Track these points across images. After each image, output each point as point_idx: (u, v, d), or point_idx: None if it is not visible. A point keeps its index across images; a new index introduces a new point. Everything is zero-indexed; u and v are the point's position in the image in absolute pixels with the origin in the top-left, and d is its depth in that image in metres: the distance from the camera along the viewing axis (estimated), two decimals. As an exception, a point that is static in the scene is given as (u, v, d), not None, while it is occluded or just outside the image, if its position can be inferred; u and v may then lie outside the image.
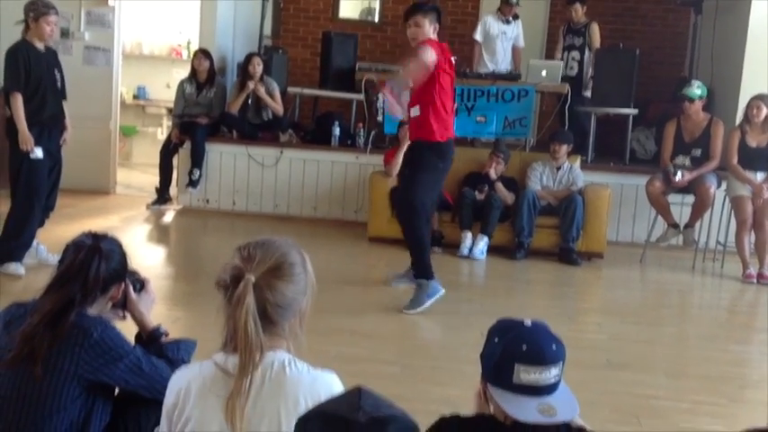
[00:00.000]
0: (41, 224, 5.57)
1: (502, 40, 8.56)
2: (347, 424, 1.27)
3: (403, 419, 1.33)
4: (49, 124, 5.38)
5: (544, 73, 7.96)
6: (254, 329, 1.74)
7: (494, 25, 8.52)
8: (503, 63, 8.52)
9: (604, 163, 7.89)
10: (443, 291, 5.10)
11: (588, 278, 6.56)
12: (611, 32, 9.56)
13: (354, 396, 1.34)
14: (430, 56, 4.86)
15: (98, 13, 8.53)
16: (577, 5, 8.45)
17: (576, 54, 8.55)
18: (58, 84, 5.44)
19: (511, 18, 8.58)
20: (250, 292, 1.75)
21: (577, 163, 7.26)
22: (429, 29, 5.02)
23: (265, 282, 1.78)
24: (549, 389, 1.70)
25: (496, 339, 1.73)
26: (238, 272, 1.78)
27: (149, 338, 2.43)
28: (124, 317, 2.47)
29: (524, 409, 1.66)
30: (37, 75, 5.26)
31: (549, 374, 1.69)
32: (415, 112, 5.08)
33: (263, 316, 1.77)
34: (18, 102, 5.18)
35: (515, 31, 8.58)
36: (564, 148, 7.07)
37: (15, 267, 5.29)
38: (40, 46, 5.31)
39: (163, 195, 8.09)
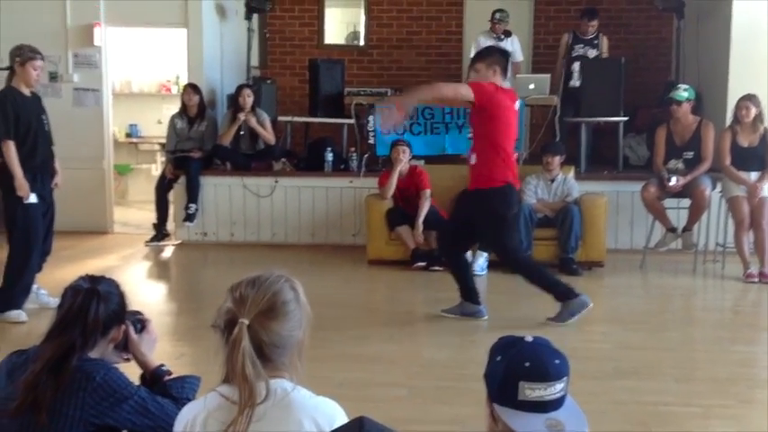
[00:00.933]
0: (39, 269, 5.56)
1: None
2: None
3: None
4: (40, 169, 5.38)
5: (532, 86, 8.01)
6: (252, 370, 1.77)
7: (487, 44, 8.55)
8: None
9: (598, 172, 7.91)
10: (591, 304, 5.21)
11: (590, 287, 6.51)
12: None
13: (356, 427, 1.33)
14: (465, 89, 4.91)
15: (85, 54, 8.57)
16: (595, 21, 8.65)
17: None
18: (46, 128, 5.43)
19: (503, 35, 8.65)
20: (245, 336, 1.78)
21: (571, 173, 7.28)
22: (487, 73, 5.04)
23: (259, 323, 1.81)
24: (556, 404, 1.69)
25: (498, 358, 1.72)
26: (232, 316, 1.81)
27: (153, 378, 2.41)
28: (128, 359, 2.46)
29: (532, 426, 1.65)
30: (26, 121, 5.25)
31: (554, 390, 1.68)
32: (473, 159, 5.09)
33: (260, 355, 1.80)
34: (11, 149, 5.16)
35: (510, 47, 8.61)
36: (557, 160, 7.08)
37: (17, 314, 5.27)
38: (26, 92, 5.30)
39: (161, 231, 8.09)
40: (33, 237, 5.32)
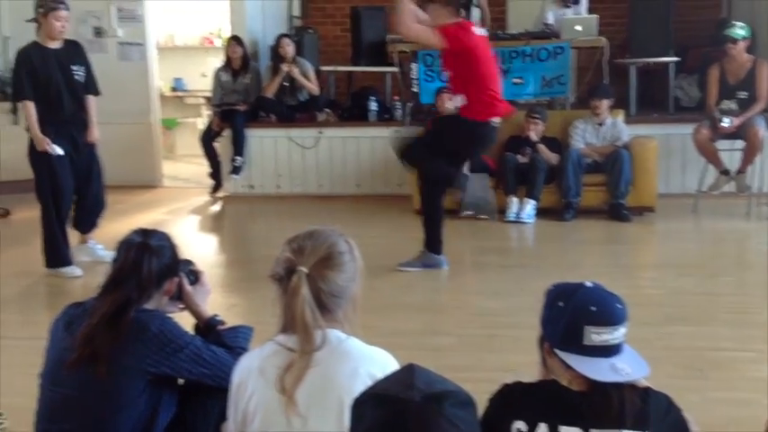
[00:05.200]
0: (95, 224, 5.61)
1: None
2: (402, 403, 1.27)
3: (458, 394, 1.32)
4: (69, 122, 5.24)
5: (578, 27, 7.80)
6: (311, 316, 1.82)
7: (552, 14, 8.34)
8: None
9: (648, 114, 7.74)
10: (446, 267, 5.18)
11: (640, 233, 6.46)
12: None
13: (407, 374, 1.34)
14: (435, 37, 4.82)
15: (128, 9, 8.59)
16: None
17: None
18: (79, 79, 5.26)
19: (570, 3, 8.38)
20: (304, 283, 1.82)
21: (620, 117, 7.13)
22: (442, 12, 4.90)
23: (317, 272, 1.85)
24: (617, 349, 1.71)
25: (561, 303, 1.72)
26: (291, 264, 1.85)
27: (207, 328, 2.46)
28: (183, 309, 2.50)
29: (599, 370, 1.67)
30: (46, 75, 5.11)
31: (618, 334, 1.70)
32: (461, 101, 5.02)
33: (318, 304, 1.84)
34: (29, 108, 5.08)
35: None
36: (605, 104, 6.94)
37: (71, 270, 5.31)
38: (52, 44, 5.16)
39: (219, 180, 8.17)
40: (60, 190, 5.21)
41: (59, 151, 5.17)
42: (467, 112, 4.98)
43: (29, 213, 7.32)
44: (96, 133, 5.40)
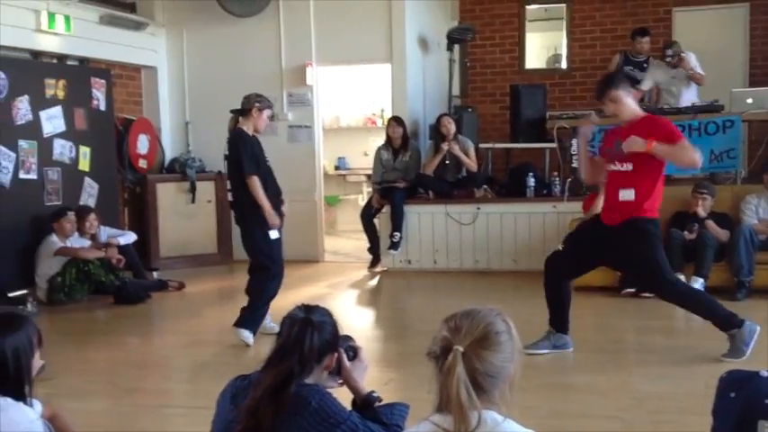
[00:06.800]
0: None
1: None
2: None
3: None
4: (275, 205, 5.59)
5: (750, 100, 7.51)
6: (466, 396, 1.81)
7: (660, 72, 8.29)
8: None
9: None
10: (759, 327, 4.78)
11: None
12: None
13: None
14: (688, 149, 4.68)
15: (298, 94, 9.11)
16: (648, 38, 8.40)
17: None
18: (269, 165, 5.65)
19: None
20: (460, 363, 1.82)
21: (797, 192, 6.73)
22: (629, 100, 4.80)
23: (473, 352, 1.84)
24: None
25: (733, 394, 1.63)
26: (447, 343, 1.86)
27: (364, 404, 2.49)
28: (341, 384, 2.56)
29: None
30: (263, 159, 5.54)
31: None
32: (629, 196, 4.77)
33: (473, 384, 1.83)
34: (256, 183, 5.42)
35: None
36: (780, 178, 6.58)
37: (248, 336, 5.50)
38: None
39: (377, 255, 8.37)
40: (277, 269, 5.57)
41: (277, 235, 5.55)
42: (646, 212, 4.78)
43: (202, 287, 7.81)
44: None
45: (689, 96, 8.33)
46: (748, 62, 9.65)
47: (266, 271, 5.55)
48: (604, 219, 4.91)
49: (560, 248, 5.09)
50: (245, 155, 5.43)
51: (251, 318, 5.55)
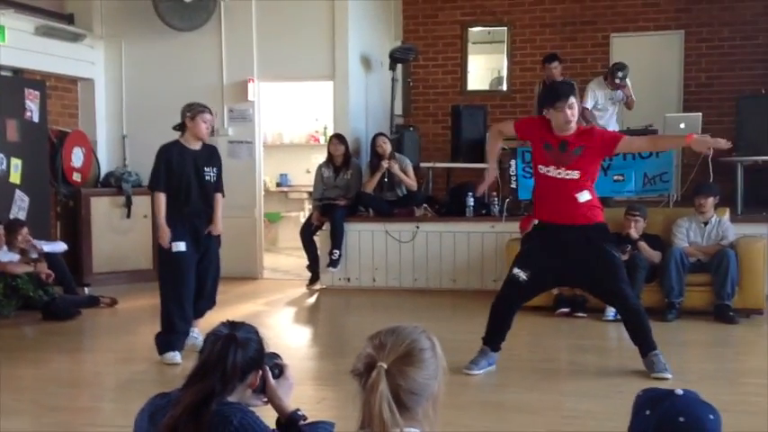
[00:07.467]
0: (201, 314, 5.73)
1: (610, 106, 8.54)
2: None
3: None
4: (194, 218, 5.56)
5: (682, 125, 7.71)
6: (389, 414, 1.79)
7: (600, 94, 8.41)
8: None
9: (756, 213, 7.47)
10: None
11: (748, 336, 6.15)
12: (753, 78, 9.18)
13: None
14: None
15: (239, 109, 9.05)
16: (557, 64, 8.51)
17: None
18: (209, 179, 5.61)
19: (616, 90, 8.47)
20: (383, 380, 1.81)
21: (726, 215, 6.92)
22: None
23: (397, 369, 1.83)
24: None
25: (647, 412, 1.63)
26: (371, 360, 1.85)
27: (288, 422, 2.46)
28: (266, 402, 2.52)
29: None
30: (180, 172, 5.49)
31: None
32: (586, 196, 4.94)
33: (396, 402, 1.82)
34: (158, 199, 5.47)
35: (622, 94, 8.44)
36: (710, 201, 6.75)
37: (172, 356, 5.43)
38: (194, 146, 5.56)
39: (317, 273, 8.32)
40: (182, 283, 5.47)
41: (182, 248, 5.46)
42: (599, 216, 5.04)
43: (135, 303, 7.66)
44: (220, 227, 5.71)
45: (614, 119, 8.53)
46: (682, 88, 9.91)
47: (168, 289, 5.48)
48: (561, 219, 4.97)
49: (522, 278, 5.04)
50: (153, 170, 5.52)
51: (167, 340, 5.46)
